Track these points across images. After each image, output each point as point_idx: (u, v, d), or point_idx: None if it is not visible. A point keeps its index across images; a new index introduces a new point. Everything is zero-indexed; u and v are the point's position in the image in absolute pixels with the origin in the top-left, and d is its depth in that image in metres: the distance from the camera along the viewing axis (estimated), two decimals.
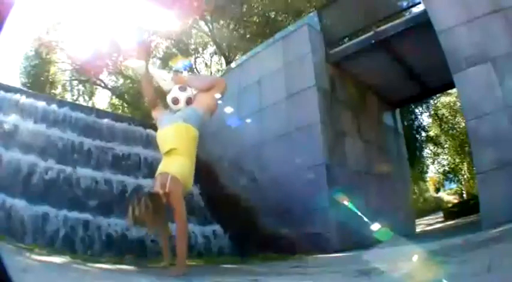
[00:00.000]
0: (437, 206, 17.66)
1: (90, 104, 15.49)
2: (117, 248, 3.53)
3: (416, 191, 17.19)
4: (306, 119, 4.86)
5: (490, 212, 3.39)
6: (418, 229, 7.75)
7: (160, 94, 3.16)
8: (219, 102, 2.87)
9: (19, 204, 3.38)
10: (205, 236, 4.33)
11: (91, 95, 16.45)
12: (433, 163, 17.26)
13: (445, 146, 16.03)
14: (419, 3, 4.92)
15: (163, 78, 2.96)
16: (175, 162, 2.51)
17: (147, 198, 2.32)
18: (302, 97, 4.98)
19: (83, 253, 3.22)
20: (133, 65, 3.06)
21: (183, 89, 2.81)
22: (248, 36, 11.62)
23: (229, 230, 4.52)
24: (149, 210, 2.27)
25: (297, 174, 4.67)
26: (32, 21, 22.70)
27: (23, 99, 5.73)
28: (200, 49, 14.94)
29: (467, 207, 9.42)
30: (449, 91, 10.54)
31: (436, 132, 15.19)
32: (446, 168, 17.27)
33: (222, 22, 12.49)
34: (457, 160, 16.01)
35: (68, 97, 15.43)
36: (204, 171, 5.37)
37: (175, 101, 2.79)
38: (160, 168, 2.55)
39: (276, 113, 5.25)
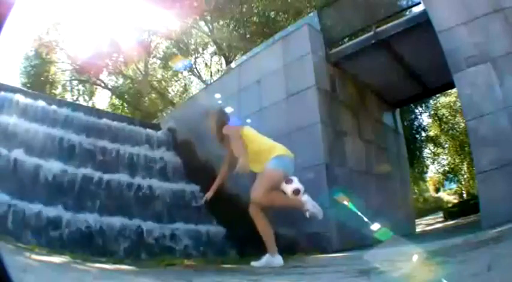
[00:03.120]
0: (437, 206, 17.72)
1: (90, 104, 15.50)
2: None
3: (416, 191, 17.21)
4: (306, 119, 4.85)
5: (490, 212, 3.39)
6: (418, 229, 7.76)
7: None
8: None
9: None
10: (206, 235, 4.33)
11: (91, 95, 16.46)
12: (433, 163, 17.24)
13: (445, 146, 16.02)
14: (419, 3, 4.91)
15: None
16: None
17: None
18: (302, 97, 4.97)
19: None
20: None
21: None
22: (248, 36, 11.62)
23: (229, 230, 4.52)
24: None
25: (297, 174, 4.65)
26: (32, 21, 22.71)
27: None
28: (200, 49, 14.96)
29: (467, 207, 9.45)
30: (449, 91, 10.54)
31: (436, 132, 15.17)
32: (446, 168, 17.25)
33: (222, 22, 12.51)
34: (457, 160, 15.99)
35: (68, 97, 15.45)
36: (204, 171, 5.38)
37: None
38: None
39: (276, 113, 5.24)
